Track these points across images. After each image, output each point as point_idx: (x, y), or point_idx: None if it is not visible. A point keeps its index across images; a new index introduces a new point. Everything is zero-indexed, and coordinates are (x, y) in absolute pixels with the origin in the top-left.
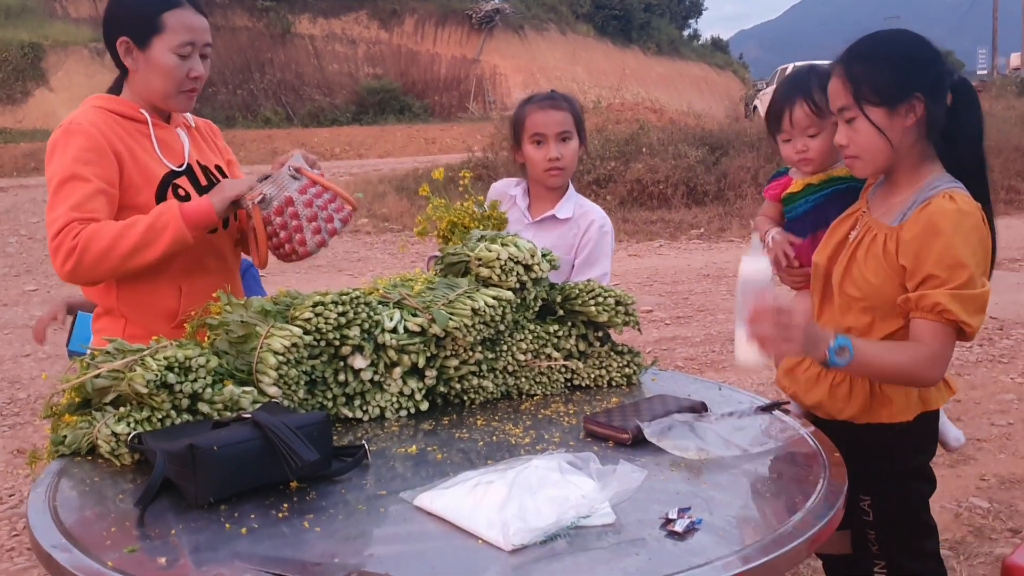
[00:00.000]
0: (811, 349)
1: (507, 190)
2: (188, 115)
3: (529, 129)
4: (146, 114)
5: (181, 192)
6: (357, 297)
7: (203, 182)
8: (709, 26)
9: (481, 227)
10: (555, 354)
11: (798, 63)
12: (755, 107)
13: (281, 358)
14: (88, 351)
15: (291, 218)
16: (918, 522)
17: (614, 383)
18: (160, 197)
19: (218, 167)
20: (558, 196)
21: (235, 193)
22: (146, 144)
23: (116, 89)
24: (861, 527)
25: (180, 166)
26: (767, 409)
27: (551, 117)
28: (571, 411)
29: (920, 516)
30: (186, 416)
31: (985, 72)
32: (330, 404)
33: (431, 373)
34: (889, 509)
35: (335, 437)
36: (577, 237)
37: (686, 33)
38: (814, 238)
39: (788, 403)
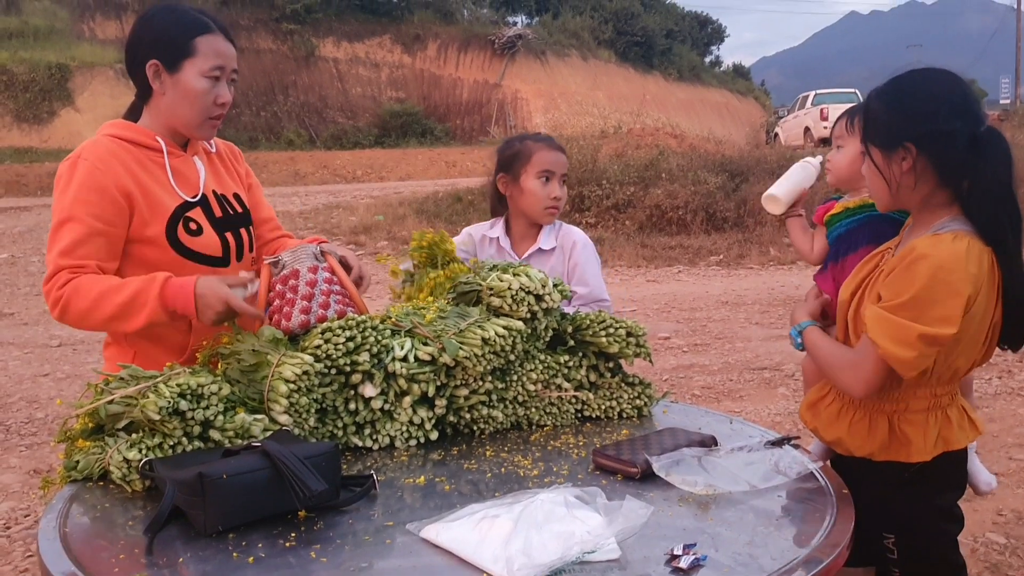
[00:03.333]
0: (790, 322)
1: (484, 233)
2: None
3: (537, 164)
4: (162, 143)
5: (192, 226)
6: (364, 322)
7: (218, 213)
8: (730, 53)
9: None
10: (566, 385)
11: (820, 91)
12: (776, 134)
13: (292, 386)
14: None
15: (289, 290)
16: (945, 562)
17: (625, 415)
18: (171, 230)
19: (236, 195)
20: (538, 230)
21: (222, 305)
22: (159, 174)
23: (133, 115)
24: (885, 565)
25: (194, 196)
26: (777, 443)
27: (559, 158)
28: (581, 443)
29: (947, 556)
30: (197, 443)
31: (1008, 101)
32: (340, 433)
33: (441, 402)
34: (914, 548)
35: (344, 466)
36: (565, 262)
37: (708, 59)
38: (843, 263)
39: (798, 438)
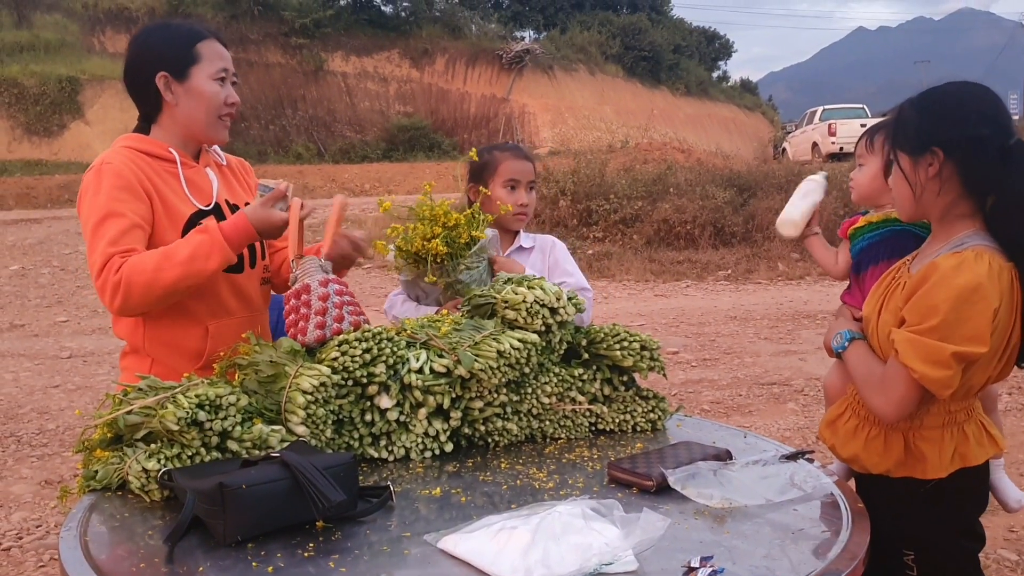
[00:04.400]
0: (830, 332)
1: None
2: (220, 153)
3: (503, 174)
4: (175, 153)
5: None
6: (380, 333)
7: None
8: (738, 68)
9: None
10: (580, 398)
11: (828, 106)
12: (784, 149)
13: (309, 397)
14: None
15: (303, 305)
16: None
17: (639, 428)
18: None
19: (247, 204)
20: (513, 234)
21: (271, 222)
22: (174, 184)
23: (143, 130)
24: None
25: (208, 205)
26: (792, 458)
27: (525, 166)
28: (595, 456)
29: (968, 574)
30: (215, 454)
31: (1017, 116)
32: (356, 444)
33: (456, 414)
34: (934, 565)
35: (360, 477)
36: (544, 260)
37: (715, 74)
38: (865, 276)
39: (813, 452)
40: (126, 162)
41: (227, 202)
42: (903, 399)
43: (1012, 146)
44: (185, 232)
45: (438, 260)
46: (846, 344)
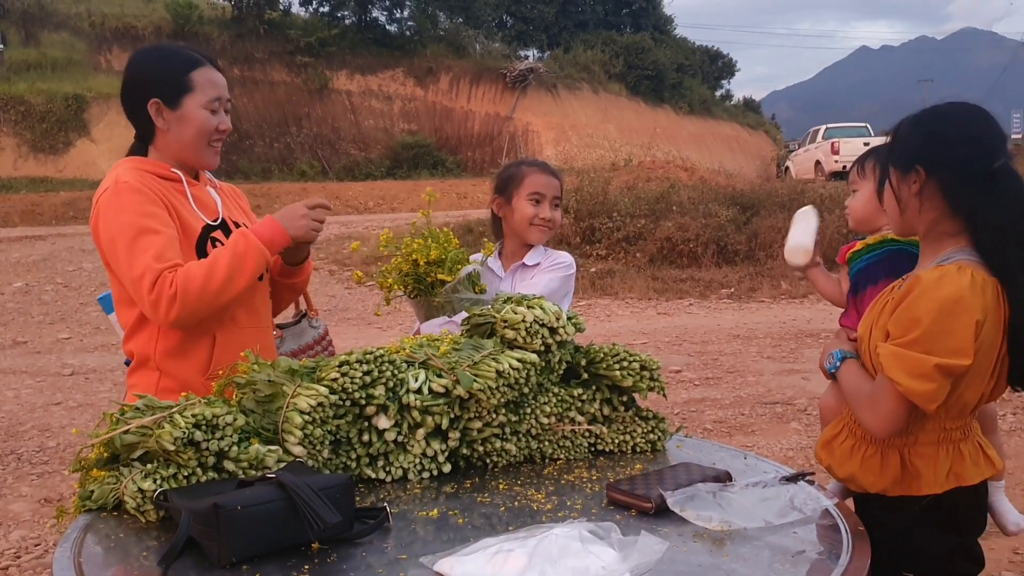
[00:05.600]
0: (824, 353)
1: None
2: (213, 179)
3: (528, 187)
4: (179, 173)
5: (220, 246)
6: (382, 356)
7: None
8: (741, 87)
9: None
10: (579, 418)
11: (831, 124)
12: (787, 167)
13: (307, 417)
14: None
15: None
16: None
17: (638, 449)
18: (200, 250)
19: (245, 225)
20: (527, 250)
21: (306, 231)
22: (183, 201)
23: (139, 151)
24: None
25: (215, 220)
26: (792, 479)
27: (551, 182)
28: (594, 477)
29: None
30: (212, 474)
31: (1019, 136)
32: (354, 464)
33: (454, 435)
34: None
35: (357, 498)
36: (543, 272)
37: (718, 93)
38: (863, 296)
39: (813, 474)
40: (141, 180)
41: (230, 219)
42: (891, 414)
43: (997, 169)
44: (199, 246)
45: (412, 296)
46: (838, 364)
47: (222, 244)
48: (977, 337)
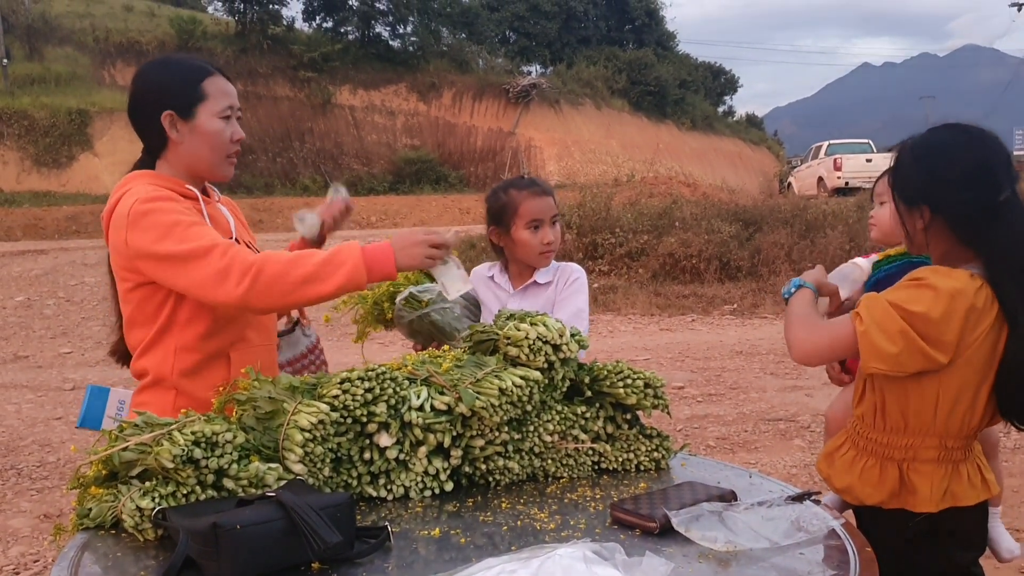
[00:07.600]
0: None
1: (482, 272)
2: (218, 193)
3: (525, 215)
4: (194, 190)
5: None
6: (383, 373)
7: None
8: (743, 103)
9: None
10: (582, 436)
11: (833, 141)
12: (789, 183)
13: (308, 435)
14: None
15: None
16: None
17: (642, 467)
18: None
19: (250, 244)
20: (535, 268)
21: (418, 261)
22: (200, 219)
23: (147, 164)
24: None
25: (230, 238)
26: (798, 499)
27: (545, 203)
28: (598, 495)
29: None
30: (211, 492)
31: (1022, 152)
32: (355, 482)
33: (457, 453)
34: None
35: (358, 516)
36: (556, 296)
37: (721, 109)
38: None
39: (819, 493)
40: (158, 189)
41: (241, 239)
42: (821, 344)
43: (1000, 203)
44: None
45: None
46: (792, 290)
47: None
48: (965, 330)
